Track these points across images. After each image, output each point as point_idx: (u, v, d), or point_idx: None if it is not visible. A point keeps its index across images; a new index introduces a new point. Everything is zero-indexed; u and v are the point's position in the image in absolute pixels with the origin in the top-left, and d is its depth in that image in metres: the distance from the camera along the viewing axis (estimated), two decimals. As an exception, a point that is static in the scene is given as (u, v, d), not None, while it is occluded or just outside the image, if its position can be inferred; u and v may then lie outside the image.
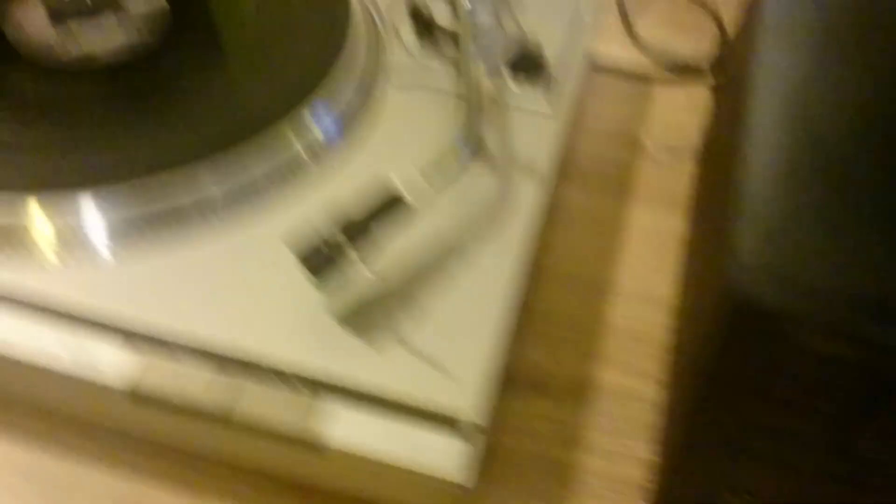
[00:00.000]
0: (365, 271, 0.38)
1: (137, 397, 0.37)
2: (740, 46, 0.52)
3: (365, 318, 0.39)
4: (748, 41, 0.44)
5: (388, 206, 0.39)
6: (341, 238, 0.37)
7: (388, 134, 0.47)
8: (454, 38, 0.51)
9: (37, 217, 0.40)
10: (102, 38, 0.48)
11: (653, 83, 0.65)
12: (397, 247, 0.41)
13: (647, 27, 0.69)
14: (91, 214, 0.40)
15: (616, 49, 0.66)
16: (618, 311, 0.50)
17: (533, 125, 0.49)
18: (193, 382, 0.37)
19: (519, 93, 0.49)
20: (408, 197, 0.39)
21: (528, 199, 0.44)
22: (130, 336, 0.38)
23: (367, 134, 0.47)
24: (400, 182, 0.40)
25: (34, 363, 0.37)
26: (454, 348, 0.38)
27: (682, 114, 0.63)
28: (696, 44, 0.69)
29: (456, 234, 0.43)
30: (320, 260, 0.37)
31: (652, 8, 0.71)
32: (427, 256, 0.42)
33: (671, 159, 0.60)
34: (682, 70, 0.66)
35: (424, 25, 0.51)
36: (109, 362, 0.37)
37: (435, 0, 0.51)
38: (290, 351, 0.37)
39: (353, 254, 0.37)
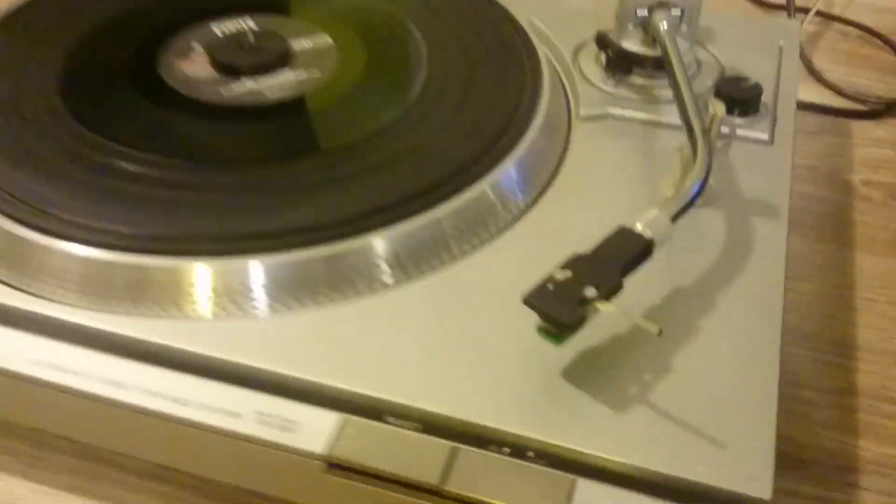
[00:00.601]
0: (615, 314, 0.31)
1: (335, 462, 0.30)
2: None
3: (608, 378, 0.32)
4: None
5: (622, 243, 0.33)
6: (577, 281, 0.31)
7: (585, 169, 0.41)
8: (646, 63, 0.45)
9: (203, 278, 0.35)
10: (270, 81, 0.43)
11: (844, 119, 0.58)
12: (636, 297, 0.34)
13: (824, 63, 0.62)
14: (266, 276, 0.35)
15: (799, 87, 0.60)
16: (868, 372, 0.42)
17: (756, 155, 0.42)
18: (400, 446, 0.30)
19: (733, 121, 0.43)
20: (644, 231, 0.33)
21: (775, 242, 0.37)
22: (325, 398, 0.31)
23: (563, 172, 0.41)
24: (631, 217, 0.33)
25: (216, 426, 0.31)
26: (725, 418, 0.31)
27: (881, 149, 0.56)
28: (878, 76, 0.62)
29: (698, 282, 0.36)
30: (560, 307, 0.30)
31: (824, 45, 0.65)
32: (670, 308, 0.35)
33: (884, 197, 0.52)
34: (873, 104, 0.59)
35: (612, 53, 0.45)
36: (305, 424, 0.31)
37: (623, 28, 0.46)
38: (516, 416, 0.30)
39: (595, 299, 0.30)
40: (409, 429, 0.31)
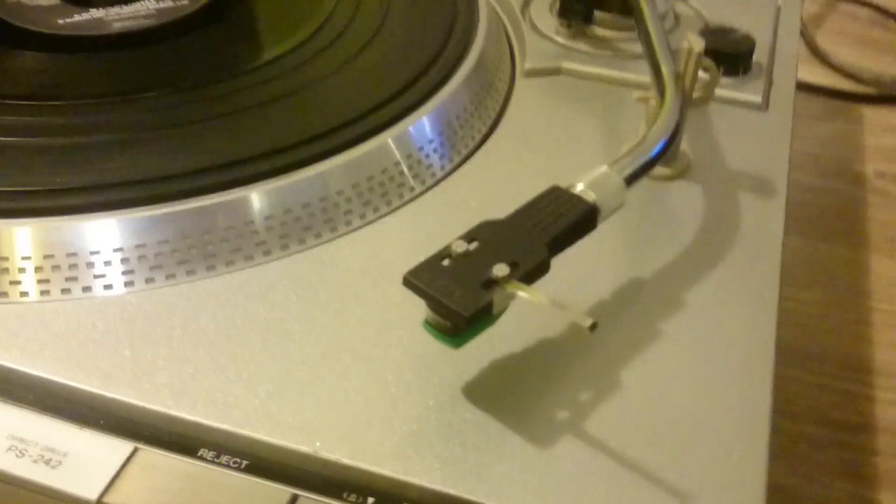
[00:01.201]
0: (534, 301, 0.21)
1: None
2: None
3: (527, 398, 0.22)
4: None
5: (554, 208, 0.23)
6: (484, 256, 0.21)
7: (525, 131, 0.32)
8: (610, 5, 0.36)
9: (23, 245, 0.25)
10: (122, 10, 0.33)
11: (853, 103, 0.49)
12: (575, 286, 0.25)
13: (830, 45, 0.53)
14: (102, 243, 0.25)
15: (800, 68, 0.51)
16: (888, 403, 0.32)
17: (746, 121, 0.33)
18: (215, 493, 0.20)
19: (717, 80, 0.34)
20: (586, 193, 0.23)
21: (769, 227, 0.28)
22: (113, 420, 0.21)
23: (497, 134, 0.32)
24: (574, 180, 0.24)
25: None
26: (694, 459, 0.21)
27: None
28: (892, 60, 0.53)
29: (664, 274, 0.26)
30: (456, 291, 0.21)
31: (830, 26, 0.56)
32: (623, 305, 0.25)
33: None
34: (888, 88, 0.50)
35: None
36: (77, 457, 0.21)
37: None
38: (387, 452, 0.21)
39: (506, 280, 0.21)
40: (229, 468, 0.21)
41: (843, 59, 0.52)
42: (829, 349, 0.34)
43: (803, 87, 0.48)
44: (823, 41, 0.54)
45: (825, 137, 0.45)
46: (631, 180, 0.24)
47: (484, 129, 0.32)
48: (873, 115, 0.47)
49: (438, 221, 0.28)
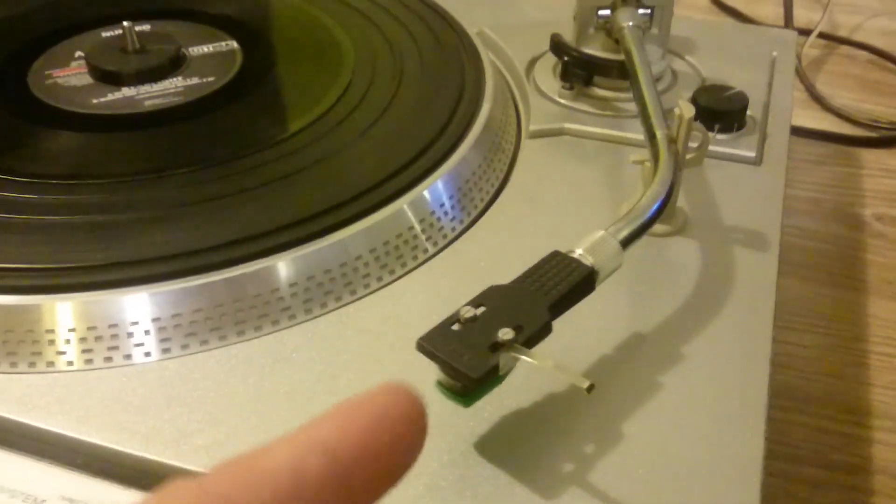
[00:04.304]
0: (536, 364, 0.23)
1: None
2: None
3: (535, 452, 0.24)
4: None
5: (555, 272, 0.25)
6: (491, 321, 0.23)
7: (531, 192, 0.34)
8: (610, 71, 0.38)
9: (68, 319, 0.27)
10: (153, 88, 0.36)
11: (852, 147, 0.50)
12: (579, 344, 0.26)
13: (829, 88, 0.55)
14: (139, 315, 0.27)
15: (799, 113, 0.53)
16: (887, 445, 0.34)
17: (741, 176, 0.35)
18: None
19: (714, 137, 0.35)
20: (584, 257, 0.25)
21: (762, 280, 0.30)
22: (154, 479, 0.23)
23: (505, 195, 0.34)
24: (573, 247, 0.26)
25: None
26: None
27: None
28: (891, 102, 0.54)
29: (663, 329, 0.28)
30: (465, 355, 0.22)
31: (829, 69, 0.58)
32: (624, 360, 0.27)
33: (902, 236, 0.44)
34: (885, 130, 0.51)
35: (569, 59, 0.38)
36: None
37: (582, 31, 0.39)
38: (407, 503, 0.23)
39: (512, 344, 0.23)
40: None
41: (842, 102, 0.54)
42: (829, 392, 0.35)
43: (803, 132, 0.50)
44: (823, 84, 0.56)
45: (824, 182, 0.47)
46: (627, 243, 0.26)
47: (492, 191, 0.34)
48: (872, 158, 0.49)
49: (451, 282, 0.30)
